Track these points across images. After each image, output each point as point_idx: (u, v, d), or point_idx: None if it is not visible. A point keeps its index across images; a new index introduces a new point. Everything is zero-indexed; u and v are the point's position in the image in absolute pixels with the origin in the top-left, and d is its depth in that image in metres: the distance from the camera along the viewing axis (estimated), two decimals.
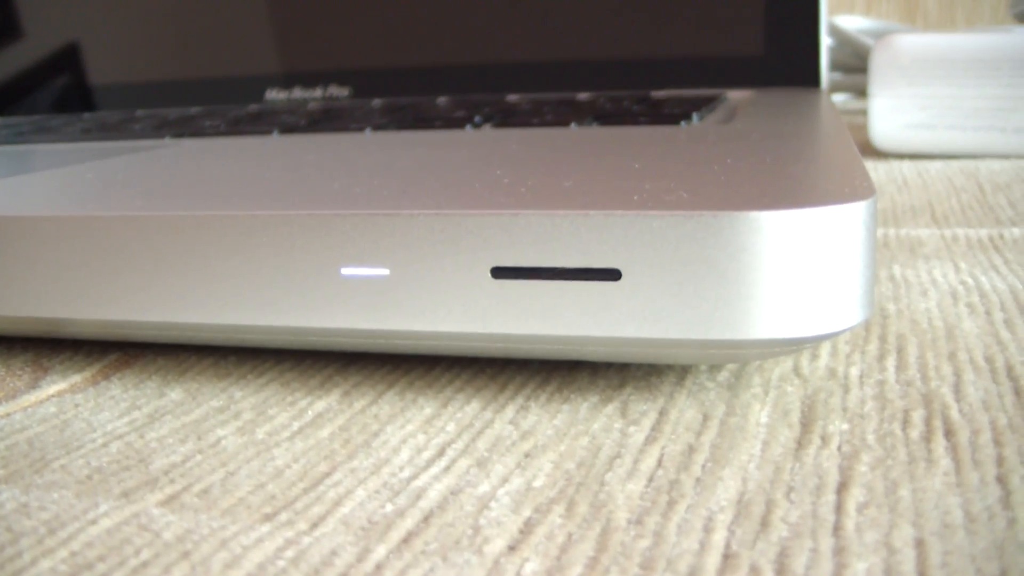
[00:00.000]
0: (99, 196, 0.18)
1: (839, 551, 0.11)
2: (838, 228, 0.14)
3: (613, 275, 0.14)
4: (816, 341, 0.14)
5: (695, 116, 0.27)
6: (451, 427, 0.15)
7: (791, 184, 0.15)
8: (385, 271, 0.15)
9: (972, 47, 0.39)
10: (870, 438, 0.14)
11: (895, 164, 0.40)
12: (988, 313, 0.20)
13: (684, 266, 0.14)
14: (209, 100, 0.46)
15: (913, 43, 0.40)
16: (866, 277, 0.14)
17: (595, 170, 0.17)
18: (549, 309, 0.14)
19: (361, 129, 0.29)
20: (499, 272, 0.14)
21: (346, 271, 0.15)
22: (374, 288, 0.15)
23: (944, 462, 0.13)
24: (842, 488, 0.13)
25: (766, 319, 0.14)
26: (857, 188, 0.14)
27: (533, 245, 0.14)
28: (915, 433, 0.14)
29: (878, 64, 0.41)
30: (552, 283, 0.14)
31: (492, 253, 0.14)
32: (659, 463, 0.14)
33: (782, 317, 0.14)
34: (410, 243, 0.15)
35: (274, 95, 0.45)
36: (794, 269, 0.13)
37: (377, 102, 0.41)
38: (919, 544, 0.11)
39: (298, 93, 0.44)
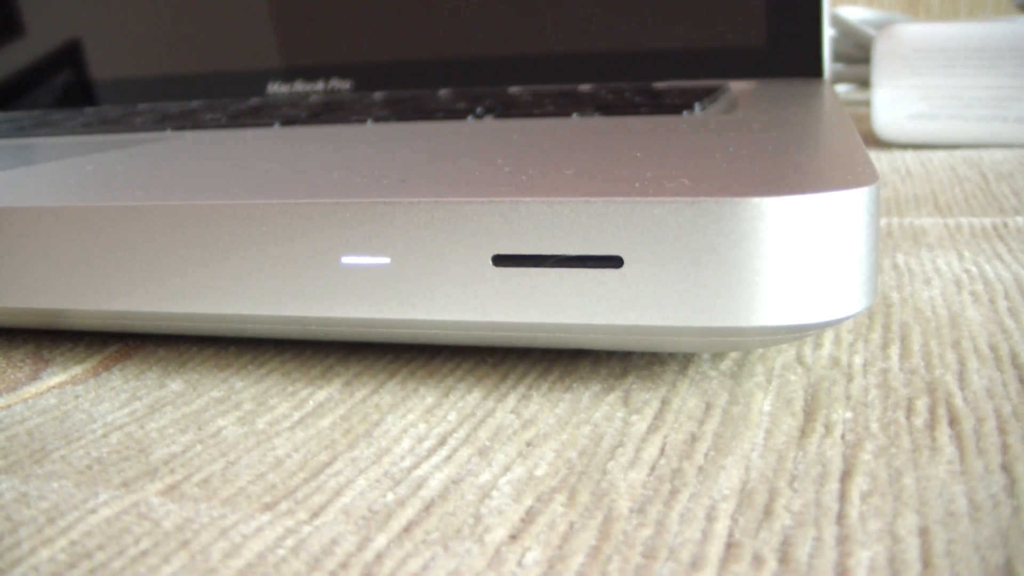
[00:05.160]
0: (99, 187, 0.18)
1: (843, 540, 0.11)
2: (841, 214, 0.13)
3: (615, 262, 0.14)
4: (819, 328, 0.14)
5: (697, 106, 0.27)
6: (452, 416, 0.15)
7: (793, 170, 0.15)
8: (386, 260, 0.15)
9: (975, 37, 0.39)
10: (874, 426, 0.14)
11: (898, 154, 0.40)
12: (992, 301, 0.19)
13: (686, 253, 0.13)
14: (211, 94, 0.46)
15: (916, 33, 0.40)
16: (869, 264, 0.14)
17: (596, 159, 0.17)
18: (551, 297, 0.14)
19: (362, 121, 0.29)
20: (500, 260, 0.14)
21: (346, 260, 0.15)
22: (375, 277, 0.15)
23: (948, 450, 0.13)
24: (846, 476, 0.13)
25: (769, 306, 0.14)
26: (860, 174, 0.14)
27: (534, 233, 0.14)
28: (919, 421, 0.14)
29: (881, 54, 0.41)
30: (554, 271, 0.14)
31: (493, 241, 0.14)
32: (661, 452, 0.14)
33: (785, 304, 0.14)
34: (411, 231, 0.15)
35: (276, 88, 0.45)
36: (797, 256, 0.13)
37: (378, 95, 0.41)
38: (923, 532, 0.11)
39: (299, 86, 0.44)
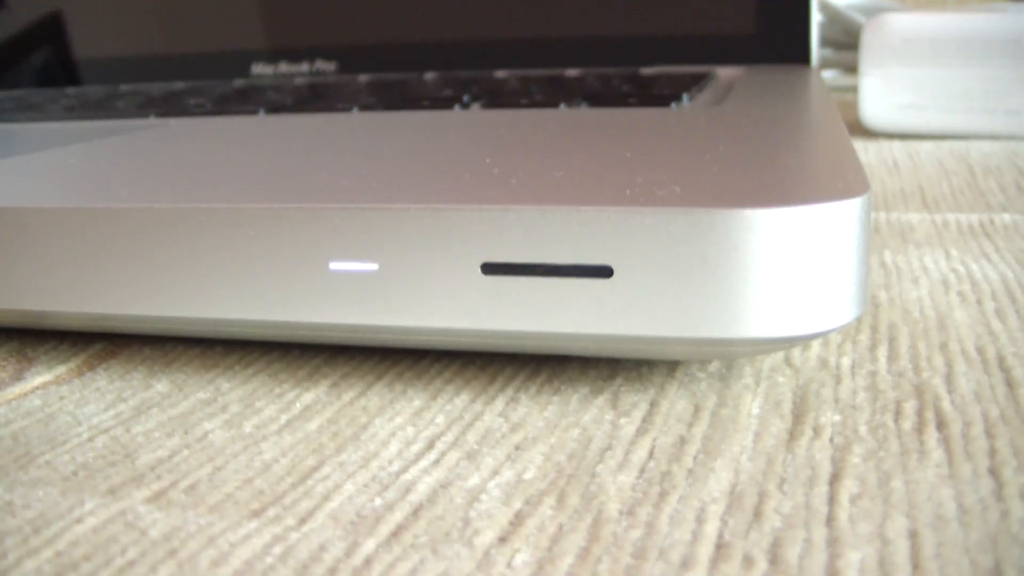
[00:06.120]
0: (83, 185, 0.18)
1: (832, 541, 0.11)
2: (832, 226, 0.13)
3: (605, 272, 0.14)
4: (808, 339, 0.14)
5: (685, 97, 0.26)
6: (440, 419, 0.15)
7: (785, 179, 0.15)
8: (374, 266, 0.15)
9: (964, 27, 0.39)
10: (862, 429, 0.14)
11: (885, 145, 0.40)
12: (979, 303, 0.19)
13: (677, 263, 0.13)
14: (194, 74, 0.45)
15: (904, 23, 0.40)
16: (859, 274, 0.14)
17: (586, 160, 0.17)
18: (540, 306, 0.14)
19: (348, 109, 0.28)
20: (489, 268, 0.14)
21: (335, 266, 0.15)
22: (363, 283, 0.15)
23: (936, 454, 0.13)
24: (835, 479, 0.13)
25: (758, 317, 0.13)
26: (851, 184, 0.14)
27: (524, 241, 0.14)
28: (907, 424, 0.14)
29: (869, 44, 0.41)
30: (543, 280, 0.14)
31: (482, 248, 0.14)
32: (650, 454, 0.14)
33: (775, 315, 0.13)
34: (399, 238, 0.14)
35: (260, 69, 0.44)
36: (787, 267, 0.13)
37: (364, 78, 0.40)
38: (912, 535, 0.11)
39: (284, 68, 0.44)
